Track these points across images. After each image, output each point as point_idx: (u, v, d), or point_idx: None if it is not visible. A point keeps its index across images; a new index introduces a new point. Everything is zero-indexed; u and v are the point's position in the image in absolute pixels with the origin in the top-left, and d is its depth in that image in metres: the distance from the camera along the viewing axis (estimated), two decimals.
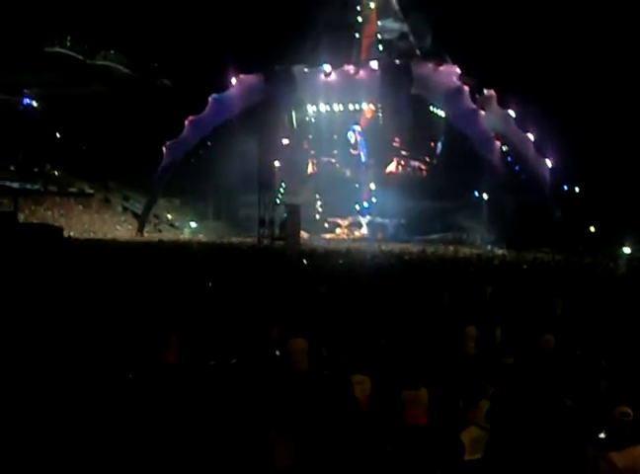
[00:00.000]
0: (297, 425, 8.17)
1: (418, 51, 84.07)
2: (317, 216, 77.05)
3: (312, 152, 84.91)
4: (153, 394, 9.15)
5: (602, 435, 6.82)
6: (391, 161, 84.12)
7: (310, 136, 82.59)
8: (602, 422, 6.89)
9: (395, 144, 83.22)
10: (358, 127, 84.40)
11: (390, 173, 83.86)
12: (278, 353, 12.00)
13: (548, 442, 7.68)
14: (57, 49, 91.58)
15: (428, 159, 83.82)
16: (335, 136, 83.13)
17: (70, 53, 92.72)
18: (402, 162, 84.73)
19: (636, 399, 7.32)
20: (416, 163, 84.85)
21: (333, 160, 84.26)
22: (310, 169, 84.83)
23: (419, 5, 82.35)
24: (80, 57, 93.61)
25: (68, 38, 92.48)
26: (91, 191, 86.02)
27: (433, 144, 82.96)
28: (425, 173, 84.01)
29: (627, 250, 55.67)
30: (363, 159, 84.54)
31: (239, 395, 9.24)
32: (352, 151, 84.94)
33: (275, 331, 12.71)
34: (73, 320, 13.96)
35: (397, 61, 75.32)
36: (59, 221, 70.93)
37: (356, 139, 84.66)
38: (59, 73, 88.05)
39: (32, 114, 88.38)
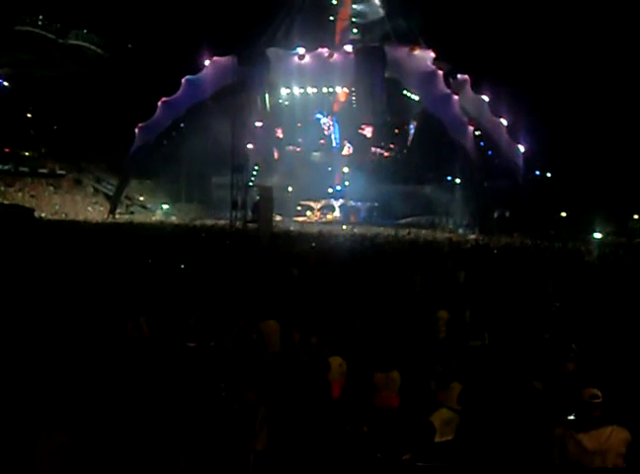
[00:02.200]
0: (272, 407, 8.18)
1: (392, 35, 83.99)
2: (290, 199, 76.76)
3: (281, 136, 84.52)
4: (122, 369, 9.18)
5: (572, 417, 6.87)
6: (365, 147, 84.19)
7: (283, 119, 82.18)
8: (571, 404, 6.94)
9: (363, 131, 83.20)
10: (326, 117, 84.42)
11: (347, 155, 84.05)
12: (254, 335, 12.07)
13: (518, 424, 7.74)
14: (29, 28, 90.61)
15: (401, 143, 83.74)
16: (309, 118, 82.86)
17: (42, 32, 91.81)
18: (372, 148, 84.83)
19: (606, 381, 7.39)
20: (387, 147, 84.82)
21: (297, 148, 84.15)
22: (276, 154, 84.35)
23: None
24: (52, 37, 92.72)
25: (40, 16, 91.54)
26: (62, 172, 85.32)
27: (406, 128, 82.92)
28: (397, 157, 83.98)
29: (598, 235, 56.11)
30: (334, 144, 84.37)
31: (219, 376, 9.26)
32: (325, 133, 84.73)
33: (249, 315, 12.79)
34: (43, 298, 13.94)
35: (371, 45, 75.20)
36: (30, 202, 70.63)
37: (328, 124, 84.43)
38: (31, 52, 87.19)
39: (2, 93, 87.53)
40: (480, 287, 18.70)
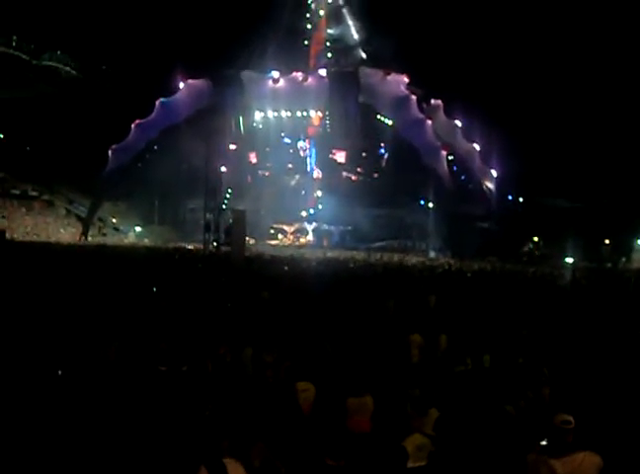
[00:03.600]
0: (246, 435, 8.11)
1: (366, 60, 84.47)
2: (262, 223, 76.63)
3: (254, 160, 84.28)
4: (93, 392, 9.09)
5: (544, 443, 6.87)
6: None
7: (257, 142, 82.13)
8: (544, 429, 6.94)
9: (334, 156, 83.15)
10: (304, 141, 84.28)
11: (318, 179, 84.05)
12: (228, 359, 12.05)
13: (491, 449, 7.71)
14: (2, 49, 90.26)
15: (374, 167, 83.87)
16: (282, 142, 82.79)
17: (15, 53, 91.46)
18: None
19: (578, 406, 7.39)
20: (361, 171, 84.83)
21: (269, 172, 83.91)
22: (249, 178, 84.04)
23: (368, 14, 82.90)
24: (25, 57, 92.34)
25: (14, 37, 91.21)
26: (34, 193, 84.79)
27: (379, 152, 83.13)
28: (370, 181, 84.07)
29: (570, 260, 56.46)
30: (309, 168, 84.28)
31: (190, 401, 9.19)
32: (300, 157, 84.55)
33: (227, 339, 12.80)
34: (11, 322, 13.78)
35: (345, 69, 75.64)
36: (2, 223, 70.07)
37: (305, 148, 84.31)
38: (4, 73, 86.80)
39: None
40: (453, 311, 18.72)
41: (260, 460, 7.91)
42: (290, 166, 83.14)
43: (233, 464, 6.64)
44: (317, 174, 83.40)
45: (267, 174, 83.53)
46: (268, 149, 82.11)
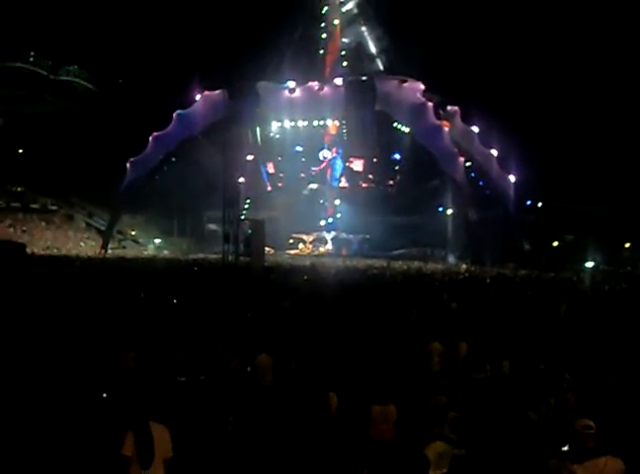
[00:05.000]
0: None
1: (382, 68, 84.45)
2: (281, 232, 76.51)
3: (272, 170, 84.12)
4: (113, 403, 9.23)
5: (566, 448, 6.86)
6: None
7: (274, 153, 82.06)
8: (566, 435, 6.93)
9: (351, 164, 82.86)
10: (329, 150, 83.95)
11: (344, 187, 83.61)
12: (248, 368, 12.12)
13: (513, 455, 7.72)
14: (20, 65, 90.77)
15: (391, 175, 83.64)
16: (299, 152, 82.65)
17: (33, 69, 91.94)
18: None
19: (600, 411, 7.38)
20: (379, 179, 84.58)
21: (300, 175, 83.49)
22: (268, 187, 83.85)
23: (383, 22, 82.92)
24: (43, 73, 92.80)
25: (31, 53, 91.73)
26: (54, 207, 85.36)
27: (396, 160, 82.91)
28: (388, 189, 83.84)
29: (590, 264, 56.19)
30: (335, 177, 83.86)
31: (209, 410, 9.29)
32: (319, 167, 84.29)
33: (244, 349, 12.89)
34: (35, 334, 13.90)
35: (361, 78, 75.57)
36: (22, 238, 70.43)
37: (330, 157, 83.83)
38: (22, 89, 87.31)
39: None
40: (474, 318, 18.69)
41: None
42: (304, 175, 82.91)
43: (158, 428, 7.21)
44: (343, 183, 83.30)
45: (283, 184, 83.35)
46: (285, 159, 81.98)
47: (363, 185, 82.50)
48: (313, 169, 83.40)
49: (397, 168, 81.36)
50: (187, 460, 8.05)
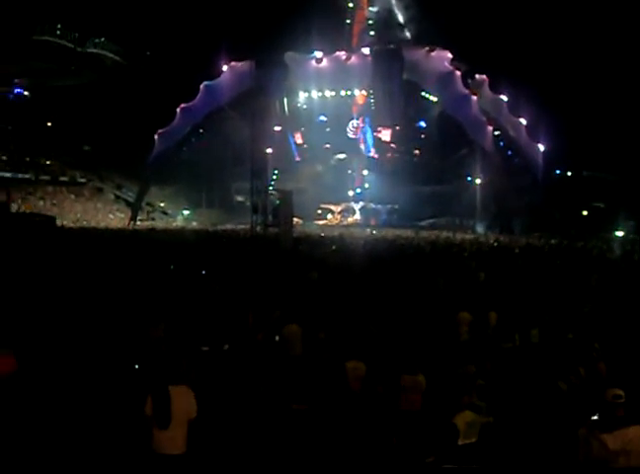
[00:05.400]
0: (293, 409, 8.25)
1: (409, 37, 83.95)
2: (310, 203, 76.42)
3: (300, 141, 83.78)
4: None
5: (595, 417, 6.85)
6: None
7: (302, 123, 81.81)
8: (595, 404, 6.92)
9: (379, 134, 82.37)
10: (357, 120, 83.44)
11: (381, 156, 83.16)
12: (277, 338, 12.20)
13: (543, 424, 7.73)
14: (47, 38, 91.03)
15: (420, 144, 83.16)
16: (324, 122, 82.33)
17: (60, 42, 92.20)
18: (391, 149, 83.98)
19: (630, 381, 7.36)
20: (407, 149, 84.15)
21: (327, 145, 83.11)
22: (297, 158, 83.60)
23: None
24: (70, 45, 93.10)
25: (58, 25, 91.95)
26: (83, 180, 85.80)
27: (424, 129, 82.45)
28: (416, 158, 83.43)
29: (620, 233, 55.83)
30: (367, 147, 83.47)
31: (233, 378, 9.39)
32: (350, 136, 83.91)
33: (276, 314, 13.00)
34: (67, 306, 14.03)
35: (389, 47, 75.11)
36: (52, 210, 70.84)
37: (359, 126, 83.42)
38: (49, 62, 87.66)
39: (23, 103, 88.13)
40: (502, 288, 18.65)
41: None
42: (329, 146, 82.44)
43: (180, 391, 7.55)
44: (373, 153, 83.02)
45: (311, 154, 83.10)
46: (311, 129, 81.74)
47: (392, 154, 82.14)
48: (350, 136, 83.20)
49: (425, 137, 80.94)
50: (212, 425, 8.20)
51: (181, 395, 7.43)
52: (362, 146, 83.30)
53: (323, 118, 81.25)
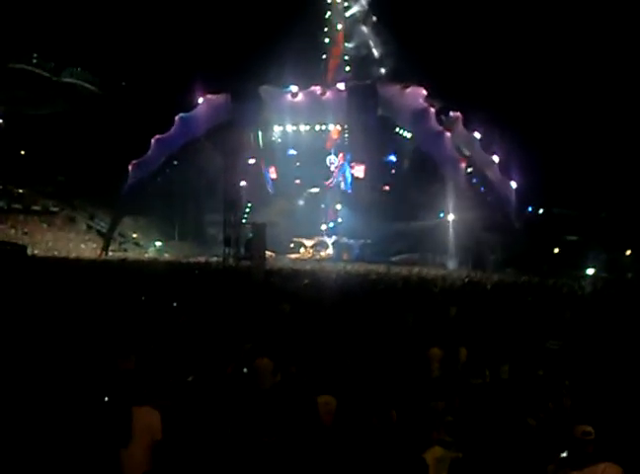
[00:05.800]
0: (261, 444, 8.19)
1: (384, 73, 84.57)
2: (282, 236, 76.35)
3: (274, 176, 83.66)
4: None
5: (564, 454, 6.86)
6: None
7: (276, 157, 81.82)
8: (565, 440, 6.93)
9: (353, 169, 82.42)
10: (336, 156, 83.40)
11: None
12: (245, 370, 12.13)
13: (512, 461, 7.72)
14: (23, 66, 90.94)
15: (393, 180, 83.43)
16: (293, 156, 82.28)
17: (36, 70, 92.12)
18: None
19: (599, 418, 7.38)
20: (381, 185, 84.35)
21: (298, 180, 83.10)
22: (269, 191, 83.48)
23: (386, 27, 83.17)
24: (46, 74, 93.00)
25: (34, 54, 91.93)
26: (55, 209, 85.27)
27: (397, 165, 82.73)
28: (389, 194, 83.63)
29: (590, 271, 56.22)
30: (346, 182, 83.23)
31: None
32: (334, 175, 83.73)
33: (247, 346, 12.93)
34: (36, 336, 13.89)
35: (364, 83, 75.59)
36: (23, 239, 70.42)
37: (337, 163, 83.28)
38: (25, 90, 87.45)
39: None
40: (473, 324, 18.69)
41: None
42: (299, 181, 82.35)
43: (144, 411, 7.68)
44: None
45: (284, 188, 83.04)
46: (285, 163, 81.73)
47: (365, 190, 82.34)
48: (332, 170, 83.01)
49: (399, 173, 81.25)
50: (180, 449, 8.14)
51: (144, 414, 7.44)
52: (342, 184, 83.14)
53: (293, 151, 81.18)
